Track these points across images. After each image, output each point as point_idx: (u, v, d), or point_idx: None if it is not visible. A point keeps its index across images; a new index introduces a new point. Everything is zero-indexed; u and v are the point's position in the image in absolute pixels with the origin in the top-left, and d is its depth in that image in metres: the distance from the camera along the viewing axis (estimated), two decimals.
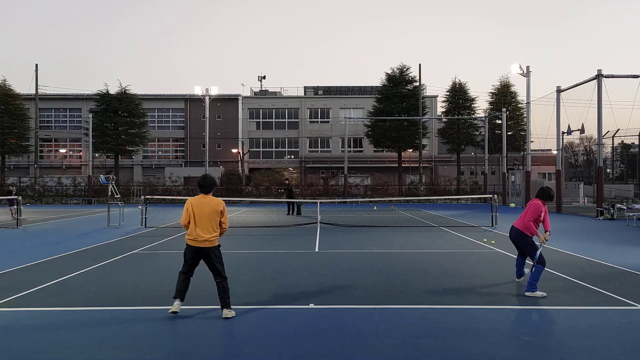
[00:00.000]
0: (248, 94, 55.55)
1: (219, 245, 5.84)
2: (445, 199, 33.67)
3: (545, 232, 7.13)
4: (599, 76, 21.89)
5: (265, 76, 58.84)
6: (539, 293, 6.65)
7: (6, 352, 4.59)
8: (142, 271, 8.73)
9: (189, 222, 5.74)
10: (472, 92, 52.05)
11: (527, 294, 6.68)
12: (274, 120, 53.98)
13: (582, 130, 28.82)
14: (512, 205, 11.18)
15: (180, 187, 40.24)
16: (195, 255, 5.74)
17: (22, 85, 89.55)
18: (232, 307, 6.26)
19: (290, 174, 48.95)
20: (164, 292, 6.98)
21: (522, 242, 7.16)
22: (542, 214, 7.08)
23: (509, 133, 40.75)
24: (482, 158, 40.70)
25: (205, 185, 5.76)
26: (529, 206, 7.23)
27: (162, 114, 53.76)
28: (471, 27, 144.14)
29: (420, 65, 42.86)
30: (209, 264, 5.77)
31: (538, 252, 6.82)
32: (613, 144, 49.89)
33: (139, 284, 7.60)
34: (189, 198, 5.82)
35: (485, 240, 12.89)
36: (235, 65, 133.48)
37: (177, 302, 5.69)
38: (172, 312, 5.63)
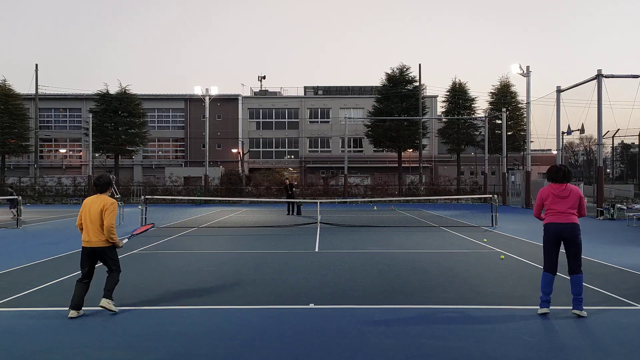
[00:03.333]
0: (248, 94, 55.55)
1: (113, 246, 5.83)
2: (445, 199, 33.66)
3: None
4: (599, 76, 21.90)
5: (265, 76, 58.86)
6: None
7: (6, 353, 4.59)
8: (142, 271, 8.72)
9: (82, 223, 5.81)
10: (472, 92, 52.13)
11: (582, 312, 5.64)
12: (274, 120, 53.98)
13: (582, 130, 28.89)
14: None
15: (180, 187, 40.23)
16: (89, 256, 5.77)
17: (22, 85, 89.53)
18: (231, 306, 6.25)
19: (290, 174, 48.95)
20: (163, 292, 6.98)
21: (579, 241, 5.74)
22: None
23: (509, 133, 40.75)
24: (482, 158, 40.70)
25: (98, 184, 5.88)
26: (581, 196, 5.82)
27: (162, 114, 53.77)
28: (471, 28, 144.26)
29: (420, 65, 42.94)
30: (103, 262, 5.84)
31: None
32: (613, 144, 49.96)
33: (138, 284, 7.60)
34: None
35: (485, 240, 12.89)
36: (235, 65, 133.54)
37: (73, 312, 5.61)
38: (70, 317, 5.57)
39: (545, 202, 5.91)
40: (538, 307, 5.89)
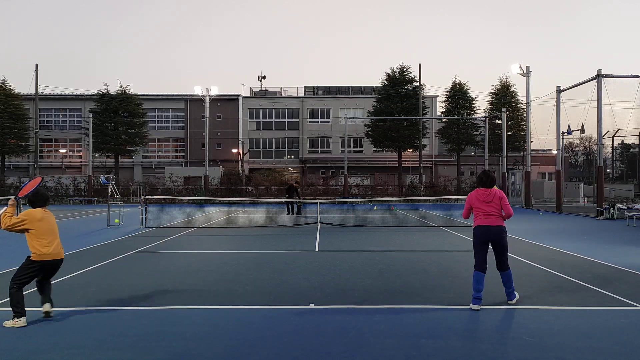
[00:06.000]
0: (248, 94, 55.53)
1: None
2: (445, 199, 33.63)
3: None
4: (599, 76, 21.88)
5: (265, 76, 58.85)
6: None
7: (6, 353, 4.59)
8: (141, 271, 8.72)
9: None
10: (472, 92, 52.10)
11: (514, 301, 6.25)
12: (274, 120, 53.97)
13: (582, 130, 28.86)
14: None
15: (180, 187, 40.22)
16: (45, 269, 5.63)
17: (22, 85, 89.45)
18: (229, 306, 6.26)
19: (290, 174, 48.94)
20: (163, 292, 6.99)
21: (505, 242, 6.23)
22: None
23: (509, 133, 40.74)
24: (482, 158, 40.68)
25: (39, 200, 5.82)
26: (502, 197, 6.28)
27: (162, 114, 53.75)
28: (471, 27, 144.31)
29: (420, 65, 42.87)
30: (51, 274, 5.76)
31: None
32: (613, 144, 49.96)
33: (138, 284, 7.60)
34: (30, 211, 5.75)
35: None
36: (235, 65, 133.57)
37: (23, 319, 5.38)
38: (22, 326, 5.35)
39: (473, 206, 6.33)
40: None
